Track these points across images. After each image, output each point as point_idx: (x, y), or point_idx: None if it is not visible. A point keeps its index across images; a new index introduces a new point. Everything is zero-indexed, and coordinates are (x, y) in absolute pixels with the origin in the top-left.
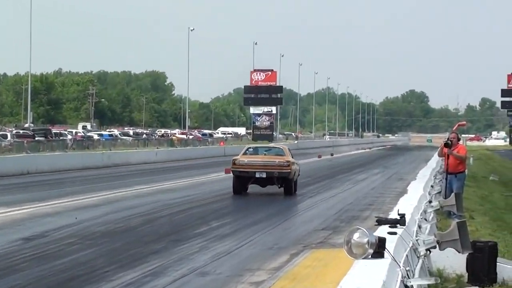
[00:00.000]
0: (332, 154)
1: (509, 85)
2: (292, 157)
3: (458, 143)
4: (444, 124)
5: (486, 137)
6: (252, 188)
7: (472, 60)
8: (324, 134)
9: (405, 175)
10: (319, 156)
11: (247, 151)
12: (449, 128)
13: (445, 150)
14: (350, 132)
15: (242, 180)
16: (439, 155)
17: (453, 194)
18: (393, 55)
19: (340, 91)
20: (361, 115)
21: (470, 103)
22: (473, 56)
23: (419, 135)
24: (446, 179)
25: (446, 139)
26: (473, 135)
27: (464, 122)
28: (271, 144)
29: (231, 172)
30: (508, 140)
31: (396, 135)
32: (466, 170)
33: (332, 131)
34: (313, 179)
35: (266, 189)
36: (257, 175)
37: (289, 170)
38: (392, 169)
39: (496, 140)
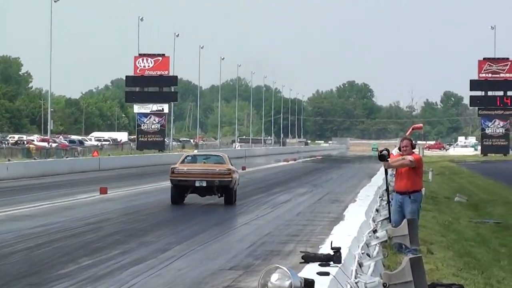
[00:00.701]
0: (243, 168)
1: (481, 75)
2: (232, 165)
3: (412, 153)
4: (395, 127)
5: (450, 145)
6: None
7: (430, 43)
8: (234, 141)
9: (341, 196)
10: None
11: (185, 159)
12: (401, 133)
13: (384, 164)
14: (269, 138)
15: (181, 190)
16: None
17: (405, 221)
18: (326, 36)
19: (255, 83)
20: (282, 116)
21: (428, 98)
22: (431, 38)
23: (361, 142)
24: (396, 200)
25: (383, 149)
26: (433, 142)
27: (421, 125)
28: (210, 152)
29: (170, 181)
30: (479, 148)
31: (330, 142)
32: (424, 189)
33: (244, 137)
34: (217, 202)
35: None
36: (197, 184)
37: (230, 179)
38: (324, 188)
39: (463, 148)
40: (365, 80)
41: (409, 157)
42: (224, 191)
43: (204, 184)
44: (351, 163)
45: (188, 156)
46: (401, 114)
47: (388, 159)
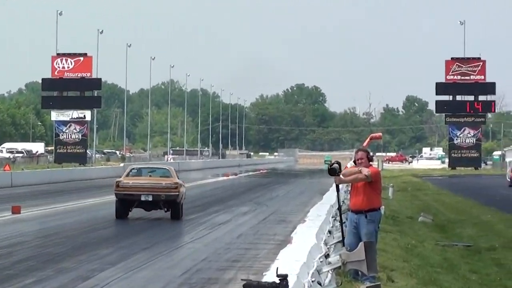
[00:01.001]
0: None
1: (449, 77)
2: (179, 179)
3: (369, 166)
4: (350, 136)
5: (413, 157)
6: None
7: (390, 40)
8: (166, 153)
9: (289, 216)
10: None
11: (130, 172)
12: (357, 143)
13: (335, 179)
14: (206, 149)
15: (126, 204)
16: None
17: (361, 244)
18: (272, 32)
19: (190, 87)
20: (222, 124)
21: (388, 104)
22: (391, 34)
23: (311, 154)
24: (351, 220)
25: (334, 162)
26: (394, 154)
27: (380, 134)
28: (156, 165)
29: (115, 195)
30: (446, 160)
31: (276, 154)
32: (383, 207)
33: (178, 148)
34: (148, 221)
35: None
36: (143, 198)
37: (177, 193)
38: (269, 207)
39: (429, 161)
40: (315, 83)
41: (365, 170)
42: (170, 205)
43: (150, 198)
44: (300, 178)
45: (133, 169)
46: (357, 121)
47: (340, 173)
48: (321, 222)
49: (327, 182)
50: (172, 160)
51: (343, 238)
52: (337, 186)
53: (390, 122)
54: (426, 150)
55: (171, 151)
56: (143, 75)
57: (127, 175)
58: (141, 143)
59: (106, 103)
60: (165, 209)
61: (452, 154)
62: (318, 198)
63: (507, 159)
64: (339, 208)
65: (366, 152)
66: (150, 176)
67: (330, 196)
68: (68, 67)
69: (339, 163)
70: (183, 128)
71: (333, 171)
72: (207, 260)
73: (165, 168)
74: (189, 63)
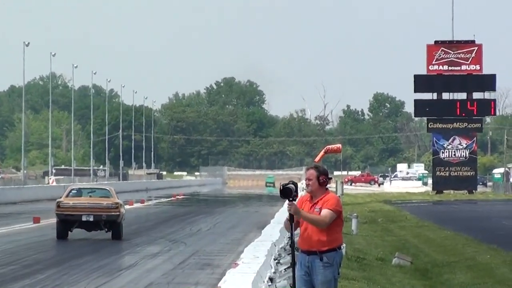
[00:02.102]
0: None
1: (432, 67)
2: (118, 199)
3: (326, 192)
4: (298, 149)
5: (385, 176)
6: None
7: (344, 20)
8: (47, 173)
9: (216, 258)
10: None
11: (70, 193)
12: (308, 158)
13: (290, 206)
14: (102, 168)
15: (66, 225)
16: (286, 229)
17: None
18: (189, 15)
19: (79, 83)
20: (122, 133)
21: (350, 105)
22: (356, 13)
23: (245, 173)
24: (302, 264)
25: (289, 182)
26: (358, 173)
27: (338, 146)
28: (96, 185)
29: (56, 215)
30: (430, 181)
31: (197, 173)
32: (344, 246)
33: (63, 167)
34: (21, 266)
35: None
36: (84, 219)
37: (118, 213)
38: (188, 246)
39: (405, 181)
40: (250, 77)
41: (326, 212)
42: (111, 226)
43: (91, 218)
44: (231, 206)
45: (73, 189)
46: (308, 129)
47: (296, 196)
48: (260, 266)
49: (267, 212)
50: (55, 183)
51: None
52: (291, 216)
53: (353, 129)
54: (401, 168)
55: (53, 171)
56: (14, 68)
57: (67, 195)
58: (12, 160)
59: None
60: (106, 229)
61: (438, 173)
62: (255, 233)
63: None
64: (292, 245)
65: (319, 170)
66: (90, 196)
67: (272, 231)
68: None
69: (295, 184)
70: (70, 139)
71: (287, 192)
72: None
73: (105, 189)
74: (76, 50)
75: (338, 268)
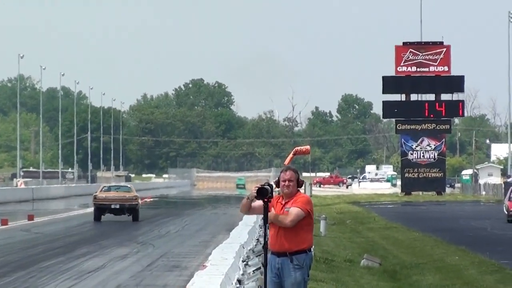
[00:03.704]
0: (30, 218)
1: (400, 68)
2: (136, 192)
3: (297, 193)
4: (267, 150)
5: (353, 178)
6: None
7: (313, 20)
8: (15, 176)
9: (183, 260)
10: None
11: (102, 189)
12: (277, 160)
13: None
14: (70, 170)
15: (101, 210)
16: (243, 208)
17: None
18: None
19: (47, 85)
20: (91, 134)
21: (319, 106)
22: (326, 13)
23: (214, 175)
24: (272, 266)
25: (265, 184)
26: (326, 174)
27: (307, 148)
28: (120, 184)
29: (93, 204)
30: (398, 182)
31: (166, 175)
32: (313, 248)
33: (31, 169)
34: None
35: None
36: (112, 207)
37: (137, 203)
38: (157, 248)
39: (374, 183)
40: (219, 79)
41: (292, 210)
42: (132, 212)
43: (118, 206)
44: (199, 208)
45: (104, 186)
46: (276, 130)
47: (271, 197)
48: (228, 267)
49: (236, 214)
50: (23, 186)
51: None
52: (266, 214)
53: (321, 131)
54: (370, 169)
55: (21, 174)
56: None
57: (100, 191)
58: None
59: None
60: (128, 214)
61: (406, 174)
62: (223, 235)
63: (481, 181)
64: (265, 246)
65: (297, 172)
66: (116, 191)
67: (240, 233)
68: None
69: (271, 186)
70: (38, 141)
71: (264, 192)
72: None
73: (127, 186)
74: (45, 52)
75: (308, 270)
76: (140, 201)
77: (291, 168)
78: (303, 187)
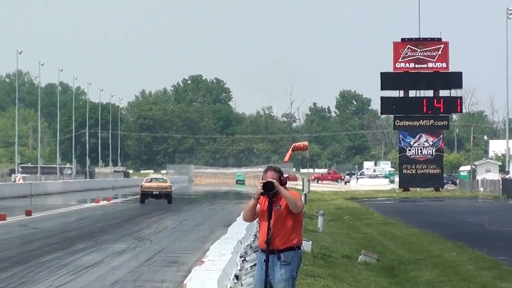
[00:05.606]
0: (28, 213)
1: (399, 65)
2: (170, 182)
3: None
4: (265, 146)
5: (351, 174)
6: None
7: (311, 17)
8: (13, 171)
9: (181, 255)
10: None
11: (146, 180)
12: (275, 156)
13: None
14: (69, 166)
15: (146, 195)
16: (248, 209)
17: None
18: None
19: (46, 80)
20: (89, 130)
21: (317, 102)
22: (323, 10)
23: (212, 171)
24: (262, 263)
25: (269, 180)
26: (324, 170)
27: (305, 144)
28: (159, 176)
29: (140, 191)
30: (396, 179)
31: (164, 171)
32: (310, 243)
33: (29, 165)
34: None
35: None
36: (154, 192)
37: (171, 190)
38: (154, 243)
39: (372, 179)
40: (217, 75)
41: (299, 196)
42: (167, 196)
43: (157, 193)
44: (197, 204)
45: (147, 178)
46: (275, 126)
47: (277, 192)
48: (225, 263)
49: (234, 210)
50: (21, 181)
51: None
52: (270, 209)
53: (320, 127)
54: (368, 165)
55: (20, 169)
56: None
57: (145, 181)
58: None
59: None
60: (164, 198)
61: (404, 171)
62: (221, 231)
63: (479, 177)
64: (267, 242)
65: (278, 171)
66: (157, 181)
67: (238, 229)
68: None
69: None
70: (36, 136)
71: (269, 187)
72: None
73: (164, 178)
74: (43, 48)
75: (297, 268)
76: (173, 189)
77: (272, 167)
78: (301, 183)
